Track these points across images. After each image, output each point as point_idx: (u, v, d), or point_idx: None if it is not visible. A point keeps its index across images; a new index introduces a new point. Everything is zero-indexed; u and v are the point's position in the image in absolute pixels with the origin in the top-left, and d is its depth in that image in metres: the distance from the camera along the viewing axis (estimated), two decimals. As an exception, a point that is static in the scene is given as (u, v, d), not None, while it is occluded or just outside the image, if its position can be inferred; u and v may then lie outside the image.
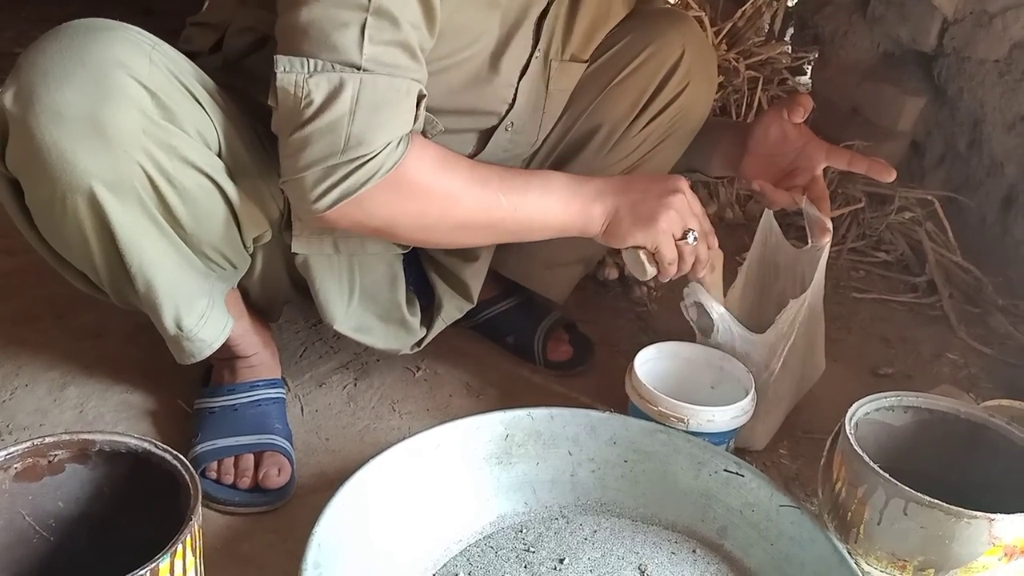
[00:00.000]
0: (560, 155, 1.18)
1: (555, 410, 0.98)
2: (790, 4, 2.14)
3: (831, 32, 2.02)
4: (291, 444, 1.02)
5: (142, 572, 0.64)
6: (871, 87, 1.88)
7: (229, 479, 0.96)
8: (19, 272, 1.31)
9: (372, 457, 0.88)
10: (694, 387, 1.08)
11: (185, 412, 1.06)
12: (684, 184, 1.00)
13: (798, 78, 2.02)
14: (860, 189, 1.69)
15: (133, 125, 0.80)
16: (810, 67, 2.08)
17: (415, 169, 0.86)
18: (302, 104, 0.80)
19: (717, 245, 1.05)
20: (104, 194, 0.81)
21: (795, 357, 1.09)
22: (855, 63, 1.95)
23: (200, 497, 0.71)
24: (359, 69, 0.80)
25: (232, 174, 0.89)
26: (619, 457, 0.97)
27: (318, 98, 0.80)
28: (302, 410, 1.11)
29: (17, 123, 0.79)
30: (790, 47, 2.08)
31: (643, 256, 1.00)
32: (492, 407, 0.99)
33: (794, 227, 1.47)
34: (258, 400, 1.03)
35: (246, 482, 0.96)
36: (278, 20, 0.83)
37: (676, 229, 0.99)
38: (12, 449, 0.72)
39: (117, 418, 1.06)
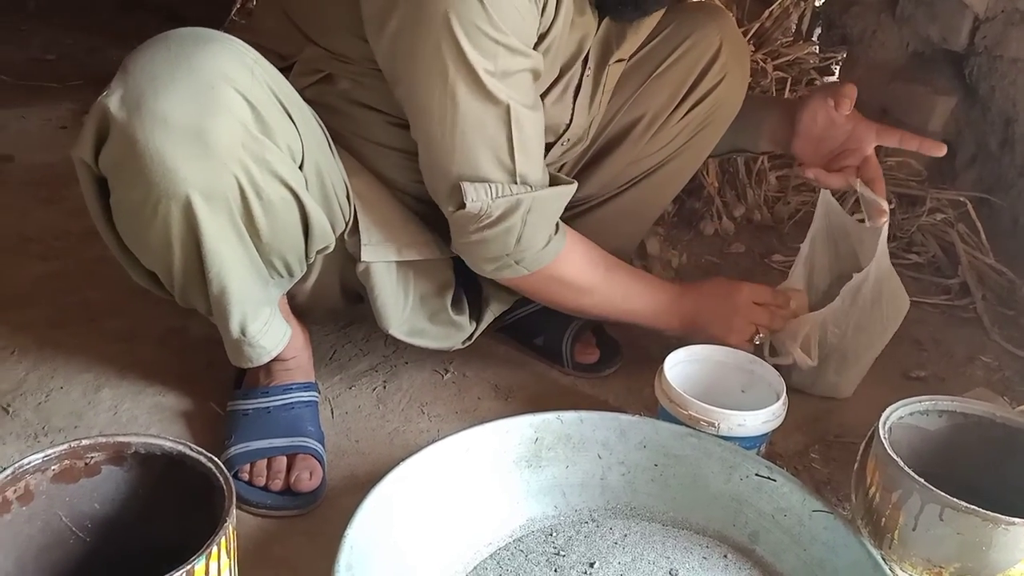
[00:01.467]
0: (603, 145, 1.21)
1: (584, 413, 0.98)
2: (817, 4, 2.12)
3: (859, 32, 2.00)
4: (323, 447, 1.03)
5: (178, 573, 0.65)
6: (900, 87, 1.86)
7: (261, 481, 0.97)
8: (53, 277, 1.33)
9: (402, 460, 0.89)
10: (724, 391, 1.08)
11: (218, 414, 1.07)
12: (745, 298, 1.14)
13: (826, 79, 2.00)
14: (891, 191, 1.66)
15: (234, 138, 0.82)
16: (838, 67, 2.06)
17: (563, 269, 1.05)
18: (483, 215, 0.95)
19: (794, 303, 1.16)
20: (199, 202, 0.83)
21: (869, 317, 1.14)
22: (884, 63, 1.93)
23: (234, 499, 0.71)
24: (525, 184, 0.95)
25: (310, 188, 0.92)
26: (649, 461, 0.96)
27: (496, 213, 0.95)
28: (332, 412, 1.12)
29: (121, 127, 0.81)
30: (818, 47, 2.06)
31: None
32: (521, 410, 0.99)
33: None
34: (292, 403, 1.04)
35: (278, 484, 0.97)
36: (422, 132, 0.93)
37: (744, 338, 1.15)
38: (50, 451, 0.73)
39: (150, 420, 1.07)
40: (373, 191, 1.02)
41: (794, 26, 2.07)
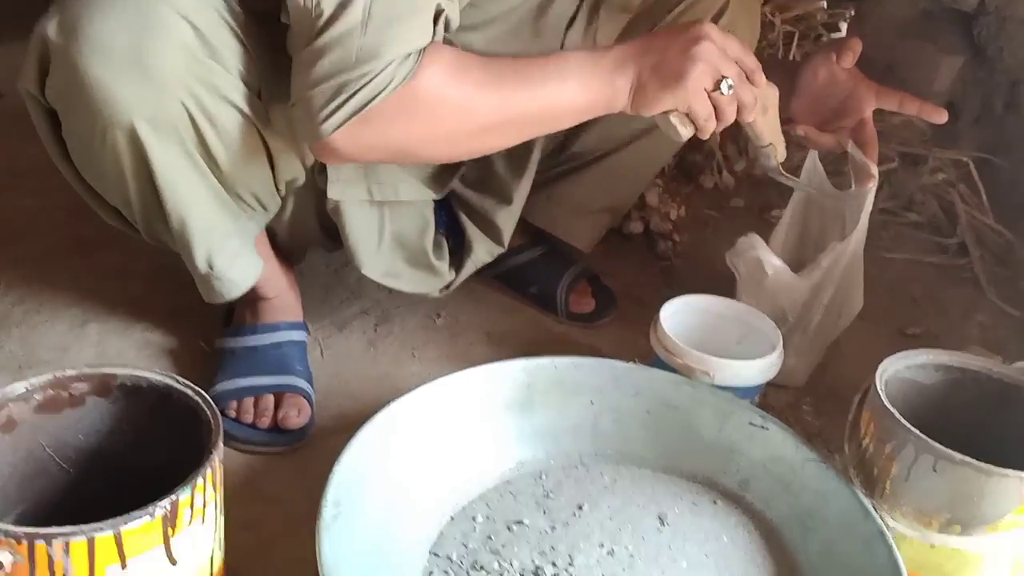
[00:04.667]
0: None
1: (579, 359, 0.97)
2: (827, -42, 2.08)
3: (869, -12, 1.97)
4: (311, 386, 1.02)
5: (163, 503, 0.64)
6: (907, 45, 1.83)
7: (249, 418, 0.96)
8: (45, 212, 1.30)
9: (393, 400, 0.88)
10: (720, 342, 1.07)
11: (205, 352, 1.06)
12: (710, 28, 0.87)
13: (834, 34, 1.97)
14: (894, 149, 1.65)
15: (177, 61, 0.79)
16: (846, 24, 2.03)
17: (427, 82, 0.80)
18: (313, 14, 0.76)
19: (765, 82, 0.93)
20: (145, 130, 0.81)
21: (836, 297, 1.10)
22: (892, 20, 1.90)
23: (221, 432, 0.70)
24: None
25: (271, 115, 0.88)
26: (642, 408, 0.96)
27: (328, 8, 0.76)
28: (322, 353, 1.11)
29: (60, 54, 0.78)
30: (826, 3, 2.03)
31: (674, 119, 0.89)
32: (513, 356, 0.98)
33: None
34: (279, 342, 1.03)
35: (266, 422, 0.96)
36: None
37: (707, 82, 0.87)
38: (34, 381, 0.72)
39: (138, 356, 1.06)
40: None
41: (802, -20, 2.03)
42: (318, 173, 0.96)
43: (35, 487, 0.74)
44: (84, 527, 0.61)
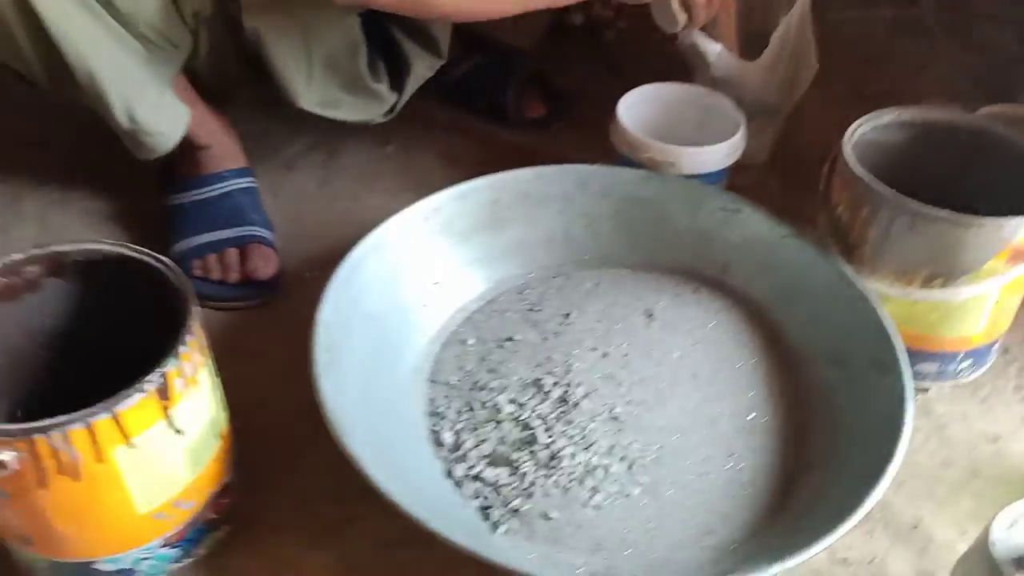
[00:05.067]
0: None
1: (541, 168, 0.94)
2: None
3: None
4: (272, 233, 0.98)
5: (151, 378, 0.62)
6: None
7: (216, 275, 0.93)
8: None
9: (360, 237, 0.84)
10: (681, 129, 1.04)
11: (153, 214, 1.00)
12: None
13: None
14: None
15: None
16: None
17: None
18: None
19: None
20: None
21: (789, 67, 1.08)
22: None
23: (193, 294, 0.67)
24: None
25: None
26: (612, 208, 0.94)
27: None
28: (275, 197, 1.06)
29: None
30: None
31: (675, 5, 0.99)
32: (472, 175, 0.94)
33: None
34: (229, 191, 0.98)
35: (234, 276, 0.93)
36: None
37: None
38: (-18, 272, 0.68)
39: (82, 226, 1.00)
40: None
41: None
42: (230, 1, 0.88)
43: (15, 376, 0.72)
44: (77, 414, 0.59)
